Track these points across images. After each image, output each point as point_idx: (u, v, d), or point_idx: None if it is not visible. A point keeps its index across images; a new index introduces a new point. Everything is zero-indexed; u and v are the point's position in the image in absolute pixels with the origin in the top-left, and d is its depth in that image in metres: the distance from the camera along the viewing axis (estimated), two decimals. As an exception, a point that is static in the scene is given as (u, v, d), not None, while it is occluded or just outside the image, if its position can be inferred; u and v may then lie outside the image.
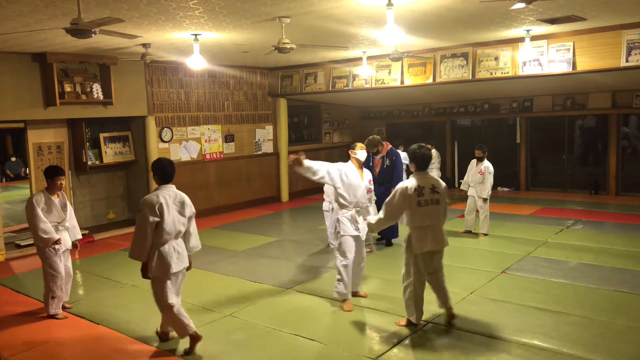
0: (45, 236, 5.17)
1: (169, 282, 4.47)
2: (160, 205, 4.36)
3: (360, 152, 5.54)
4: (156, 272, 4.44)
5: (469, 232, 8.24)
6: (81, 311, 5.52)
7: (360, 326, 4.91)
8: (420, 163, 4.69)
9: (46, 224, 5.18)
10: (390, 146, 7.88)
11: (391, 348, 4.41)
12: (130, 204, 9.95)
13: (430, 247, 4.61)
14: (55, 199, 5.36)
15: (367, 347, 4.47)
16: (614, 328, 4.65)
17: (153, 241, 4.38)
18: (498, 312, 5.01)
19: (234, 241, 8.38)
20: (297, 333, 4.76)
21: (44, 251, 5.28)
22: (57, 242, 5.24)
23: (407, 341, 4.54)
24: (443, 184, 4.77)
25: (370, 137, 7.68)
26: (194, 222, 4.66)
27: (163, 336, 4.76)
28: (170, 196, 4.47)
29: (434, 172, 10.78)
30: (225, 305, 5.53)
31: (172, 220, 4.43)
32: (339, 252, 5.45)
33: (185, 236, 4.61)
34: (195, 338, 4.47)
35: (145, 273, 4.45)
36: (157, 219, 4.34)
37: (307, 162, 5.12)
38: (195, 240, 4.71)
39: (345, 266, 5.34)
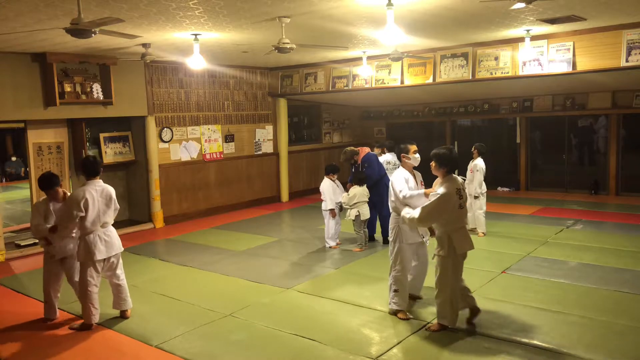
0: (37, 229, 5.03)
1: (93, 270, 4.97)
2: (86, 200, 4.81)
3: (414, 158, 5.14)
4: (82, 258, 4.96)
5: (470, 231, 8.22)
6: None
7: (360, 326, 4.90)
8: (451, 165, 4.64)
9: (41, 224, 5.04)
10: (367, 151, 7.94)
11: (391, 348, 4.41)
12: (130, 204, 9.95)
13: (469, 246, 4.67)
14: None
15: (367, 347, 4.47)
16: (615, 328, 4.65)
17: (79, 231, 4.92)
18: (498, 312, 5.01)
19: (234, 241, 8.37)
20: (297, 333, 4.76)
21: (47, 256, 5.28)
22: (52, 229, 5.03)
23: (407, 341, 4.54)
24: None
25: (344, 150, 7.87)
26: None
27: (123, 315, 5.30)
28: (97, 191, 4.93)
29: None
30: (225, 305, 5.53)
31: (97, 212, 4.90)
32: (395, 263, 5.06)
33: None
34: (88, 327, 5.04)
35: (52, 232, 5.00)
36: (81, 214, 4.80)
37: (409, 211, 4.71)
38: None
39: (403, 277, 5.04)
